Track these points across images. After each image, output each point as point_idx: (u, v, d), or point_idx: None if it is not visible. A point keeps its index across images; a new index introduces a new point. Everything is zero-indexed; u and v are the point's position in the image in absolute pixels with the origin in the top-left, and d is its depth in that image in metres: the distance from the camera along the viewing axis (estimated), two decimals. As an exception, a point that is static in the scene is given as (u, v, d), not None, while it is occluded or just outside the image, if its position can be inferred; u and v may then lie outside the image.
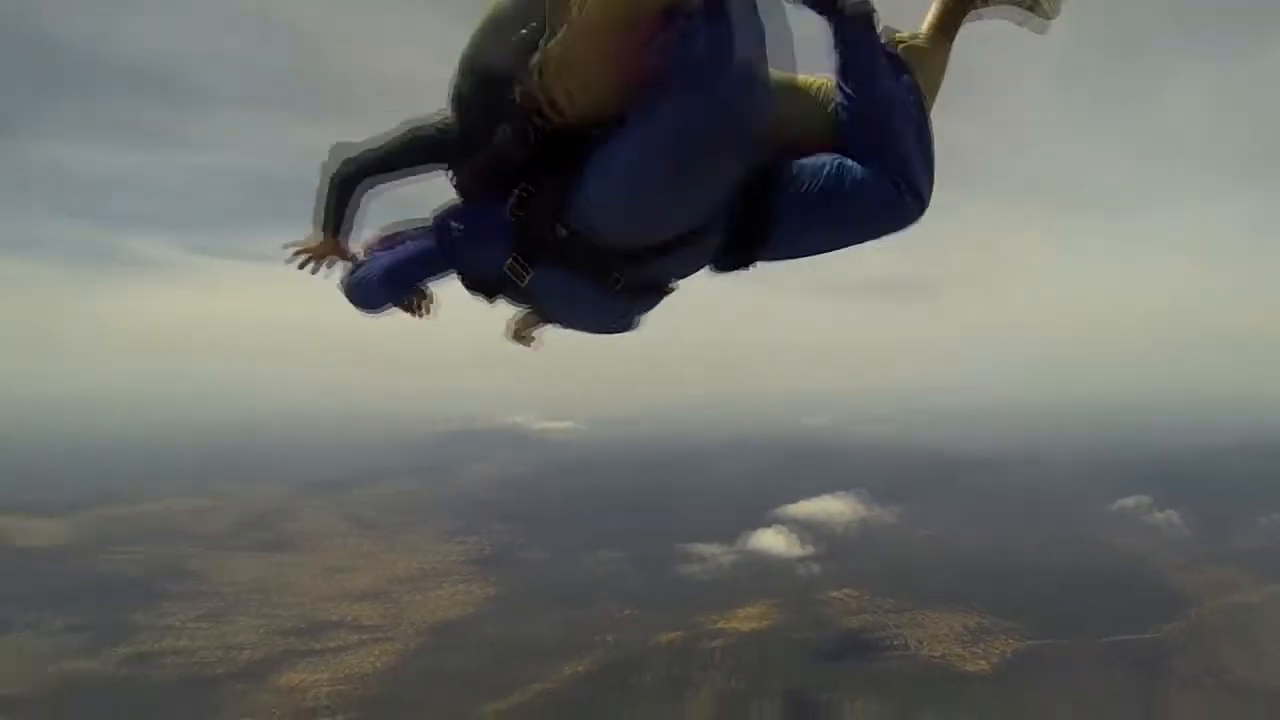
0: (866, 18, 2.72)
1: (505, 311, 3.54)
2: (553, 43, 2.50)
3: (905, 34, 3.02)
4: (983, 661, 63.44)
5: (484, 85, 2.82)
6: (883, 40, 2.84)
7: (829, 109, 2.94)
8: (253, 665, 68.45)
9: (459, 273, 3.19)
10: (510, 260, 2.97)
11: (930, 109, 2.97)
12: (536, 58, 2.54)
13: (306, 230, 3.58)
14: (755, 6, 2.52)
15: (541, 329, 3.85)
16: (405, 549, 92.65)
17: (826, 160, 2.86)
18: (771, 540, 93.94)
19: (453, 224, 3.06)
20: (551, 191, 2.80)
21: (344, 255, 3.53)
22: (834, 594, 74.09)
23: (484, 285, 3.18)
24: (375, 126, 3.15)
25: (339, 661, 68.20)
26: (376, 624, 74.62)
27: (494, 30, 2.78)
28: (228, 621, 76.31)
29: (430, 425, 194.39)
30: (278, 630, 74.39)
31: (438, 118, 3.05)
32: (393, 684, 64.10)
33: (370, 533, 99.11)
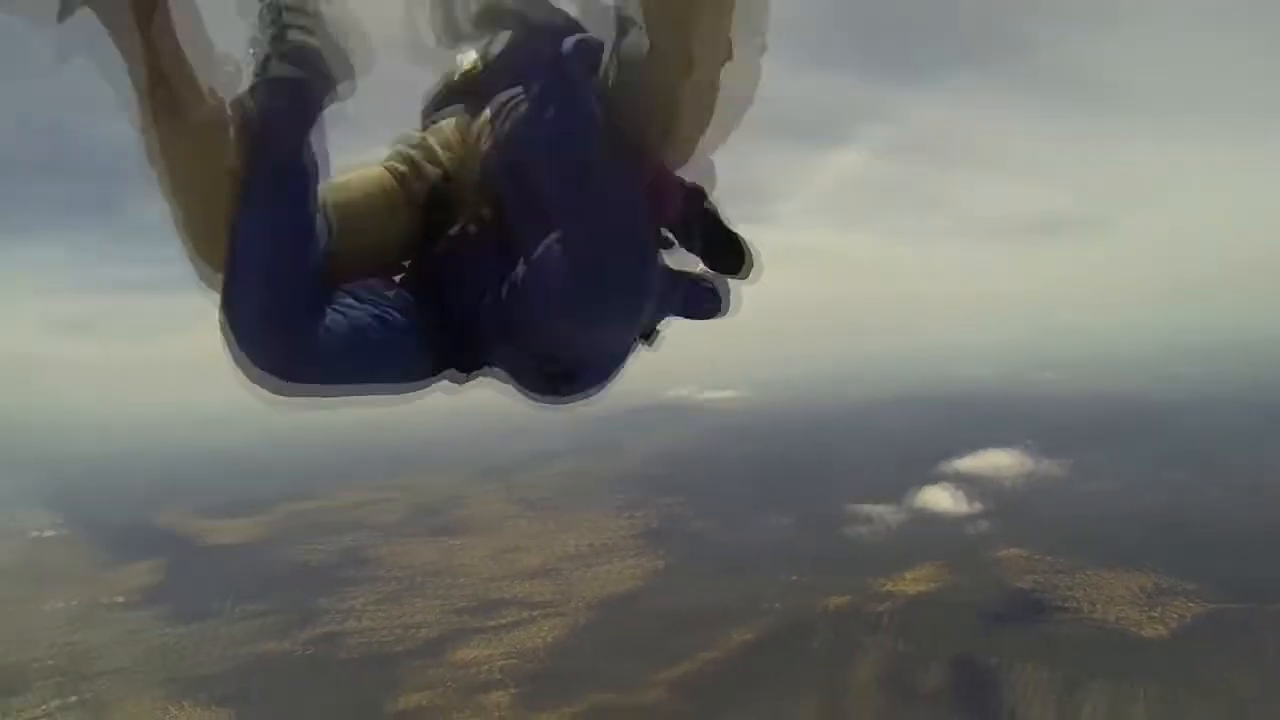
0: None
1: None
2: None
3: None
4: (1160, 626, 61.50)
5: None
6: None
7: None
8: (429, 642, 72.83)
9: None
10: None
11: None
12: None
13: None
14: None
15: None
16: (574, 527, 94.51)
17: None
18: (938, 498, 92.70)
19: None
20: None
21: None
22: (1003, 553, 73.16)
23: None
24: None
25: (510, 637, 71.55)
26: (546, 600, 77.36)
27: None
28: (405, 603, 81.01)
29: (595, 406, 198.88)
30: (452, 609, 78.51)
31: None
32: (562, 656, 67.03)
33: (539, 513, 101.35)
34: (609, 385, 3.45)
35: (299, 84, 2.25)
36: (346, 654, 73.87)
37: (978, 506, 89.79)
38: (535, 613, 74.92)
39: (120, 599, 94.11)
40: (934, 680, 58.37)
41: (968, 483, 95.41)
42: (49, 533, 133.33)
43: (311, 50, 2.27)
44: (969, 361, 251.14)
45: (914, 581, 69.03)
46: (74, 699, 74.36)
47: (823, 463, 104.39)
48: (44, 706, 73.70)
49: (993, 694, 57.26)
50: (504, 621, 74.27)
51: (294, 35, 2.22)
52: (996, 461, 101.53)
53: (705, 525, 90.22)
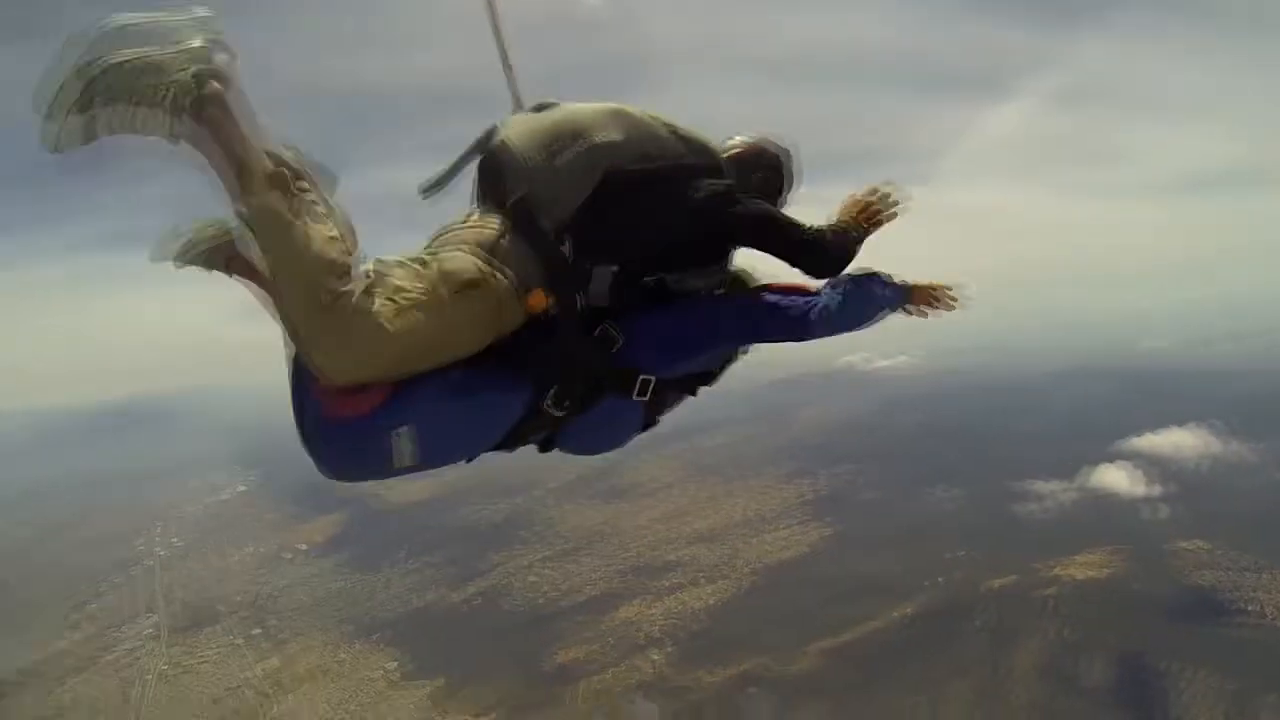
0: None
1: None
2: None
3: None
4: (1355, 642, 57.86)
5: None
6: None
7: None
8: (592, 600, 75.76)
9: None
10: None
11: None
12: None
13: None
14: None
15: None
16: (742, 494, 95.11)
17: None
18: (1115, 477, 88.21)
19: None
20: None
21: None
22: (1182, 544, 70.04)
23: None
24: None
25: (673, 599, 73.43)
26: (712, 564, 78.69)
27: None
28: (571, 562, 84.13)
29: (766, 373, 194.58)
30: (616, 570, 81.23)
31: None
32: (723, 620, 68.61)
33: (708, 479, 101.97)
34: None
35: None
36: (511, 608, 78.07)
37: (1157, 489, 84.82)
38: (699, 576, 76.38)
39: (303, 548, 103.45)
40: (1097, 674, 56.44)
41: (1147, 462, 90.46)
42: (241, 489, 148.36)
43: None
44: (1148, 330, 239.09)
45: (1083, 566, 67.47)
46: (258, 632, 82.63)
47: (994, 435, 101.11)
48: (230, 638, 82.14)
49: (1159, 697, 54.61)
50: (668, 584, 76.13)
51: None
52: (1180, 441, 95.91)
53: (873, 495, 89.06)
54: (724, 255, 3.84)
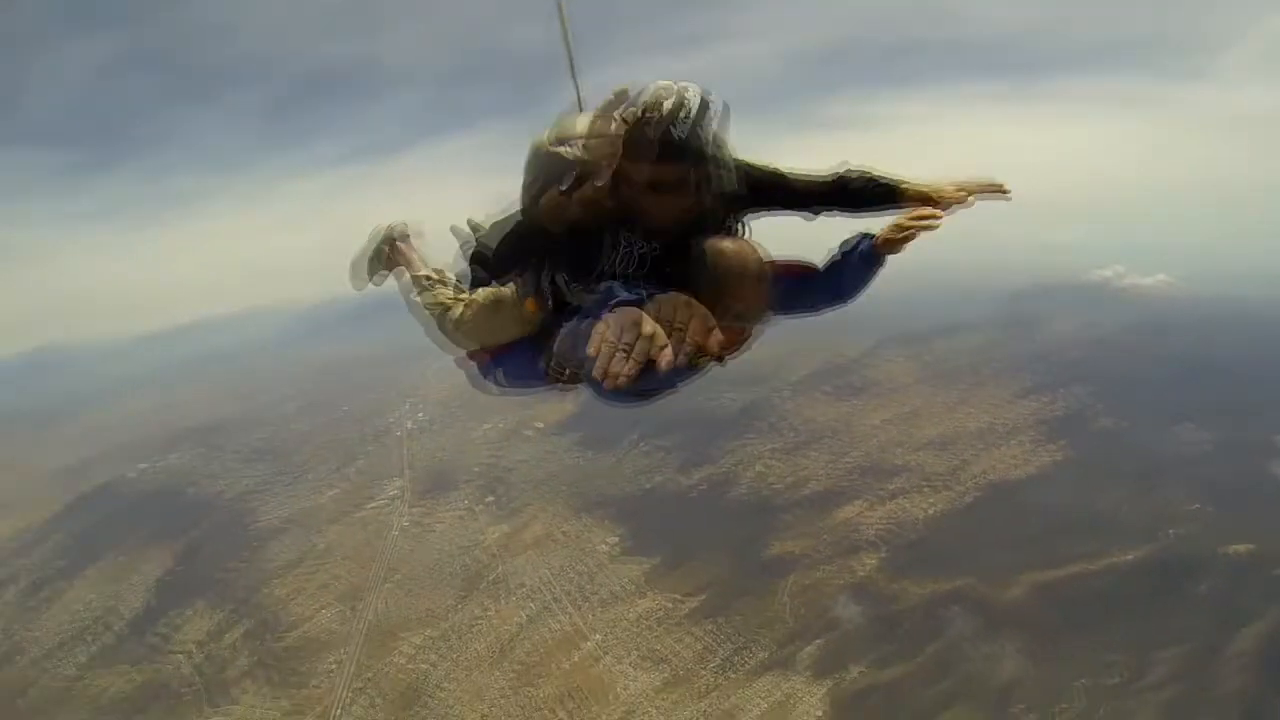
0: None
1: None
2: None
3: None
4: None
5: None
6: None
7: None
8: (815, 496, 77.21)
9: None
10: None
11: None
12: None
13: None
14: None
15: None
16: (977, 403, 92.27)
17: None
18: None
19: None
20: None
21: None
22: None
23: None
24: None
25: (894, 504, 73.58)
26: (937, 473, 77.57)
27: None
28: (799, 456, 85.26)
29: (1012, 277, 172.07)
30: (843, 469, 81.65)
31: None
32: (939, 533, 68.36)
33: (944, 384, 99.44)
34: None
35: None
36: (735, 496, 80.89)
37: None
38: (923, 484, 75.94)
39: (540, 426, 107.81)
40: (1329, 682, 51.31)
41: None
42: None
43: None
44: None
45: (1346, 550, 60.39)
46: (491, 500, 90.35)
47: (1257, 376, 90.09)
48: (467, 503, 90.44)
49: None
50: (891, 488, 76.16)
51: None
52: None
53: (1113, 424, 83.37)
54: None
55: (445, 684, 62.25)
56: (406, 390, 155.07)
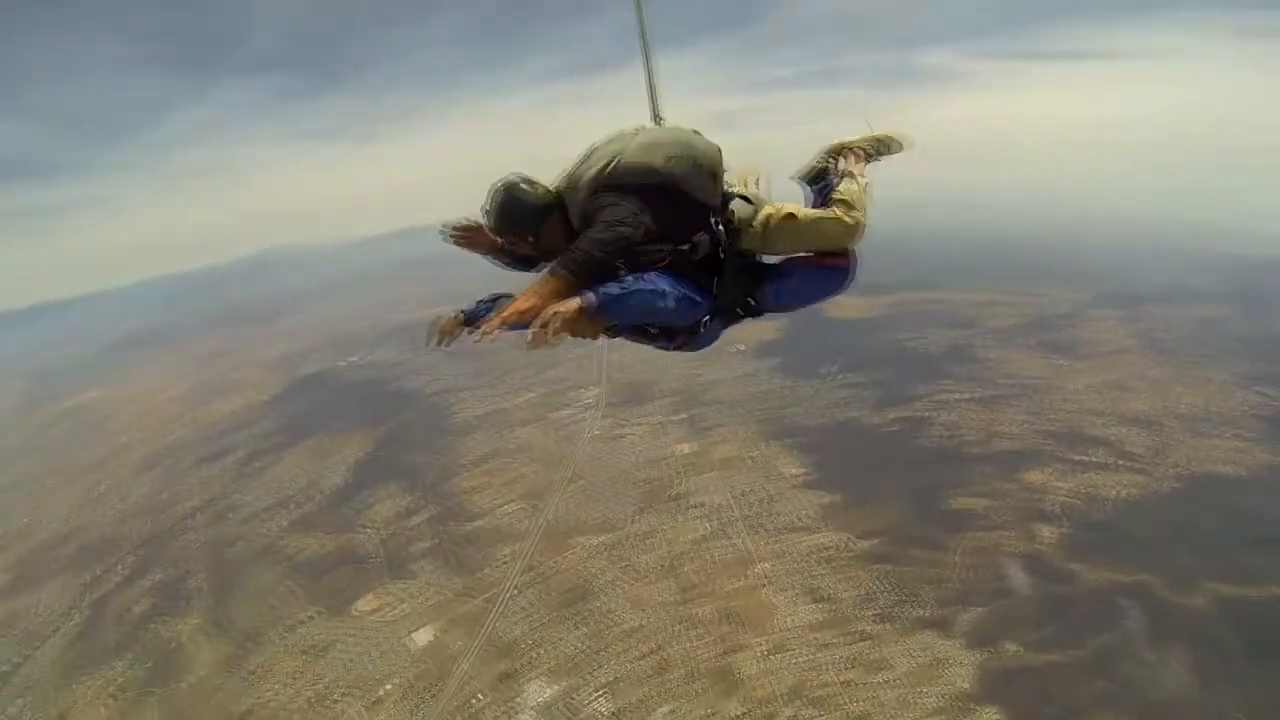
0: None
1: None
2: (757, 222, 6.42)
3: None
4: None
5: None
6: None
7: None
8: (1005, 455, 75.21)
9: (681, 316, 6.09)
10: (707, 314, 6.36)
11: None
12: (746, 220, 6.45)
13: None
14: None
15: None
16: (1192, 382, 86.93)
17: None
18: None
19: (688, 293, 5.96)
20: (740, 287, 6.43)
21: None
22: None
23: (687, 326, 6.40)
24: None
25: (1085, 477, 70.77)
26: (1137, 453, 73.74)
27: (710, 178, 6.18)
28: (996, 409, 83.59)
29: (1253, 247, 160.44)
30: (1038, 429, 79.27)
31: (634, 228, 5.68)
32: (1128, 518, 64.81)
33: (1159, 356, 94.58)
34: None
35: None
36: (925, 441, 79.98)
37: None
38: (1120, 462, 72.40)
39: (741, 348, 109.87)
40: None
41: None
42: None
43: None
44: None
45: None
46: (683, 417, 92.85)
47: None
48: (658, 417, 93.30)
49: None
50: (1085, 459, 73.23)
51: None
52: None
53: None
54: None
55: (609, 589, 65.03)
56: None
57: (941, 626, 54.97)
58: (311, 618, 70.20)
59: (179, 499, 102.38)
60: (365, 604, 70.23)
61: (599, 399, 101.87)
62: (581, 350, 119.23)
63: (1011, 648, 52.56)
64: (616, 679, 55.80)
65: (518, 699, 56.01)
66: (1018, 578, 59.26)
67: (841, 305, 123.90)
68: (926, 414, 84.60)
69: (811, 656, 54.09)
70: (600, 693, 54.85)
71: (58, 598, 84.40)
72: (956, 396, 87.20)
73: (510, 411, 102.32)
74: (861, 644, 54.30)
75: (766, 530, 68.83)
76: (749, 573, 63.75)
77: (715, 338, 6.71)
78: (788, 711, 50.02)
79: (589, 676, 56.42)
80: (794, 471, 77.24)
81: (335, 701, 60.06)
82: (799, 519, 69.74)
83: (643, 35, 6.82)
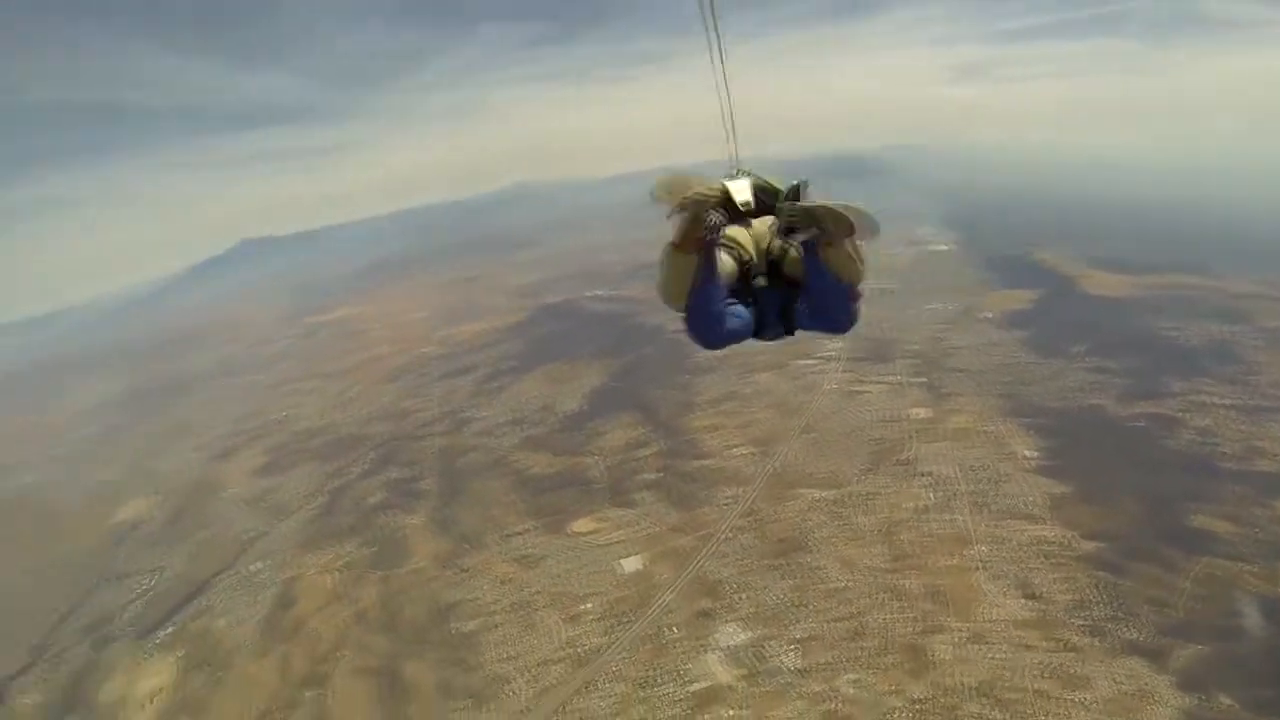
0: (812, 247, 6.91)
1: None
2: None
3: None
4: None
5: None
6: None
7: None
8: (1263, 475, 68.57)
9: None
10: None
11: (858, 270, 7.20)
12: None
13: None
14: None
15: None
16: None
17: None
18: None
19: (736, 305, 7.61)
20: (779, 300, 7.79)
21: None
22: None
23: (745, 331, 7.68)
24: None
25: None
26: None
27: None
28: (1260, 422, 76.20)
29: None
30: None
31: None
32: None
33: None
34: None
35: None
36: (1173, 444, 74.84)
37: None
38: None
39: (989, 315, 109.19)
40: None
41: None
42: (943, 247, 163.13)
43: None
44: None
45: None
46: (922, 380, 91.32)
47: None
48: (899, 377, 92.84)
49: None
50: None
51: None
52: None
53: None
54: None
55: (822, 546, 65.82)
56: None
57: (1154, 656, 51.46)
58: (529, 530, 75.61)
59: (421, 408, 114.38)
60: (582, 525, 74.55)
61: (840, 352, 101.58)
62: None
63: (1226, 700, 48.09)
64: (810, 636, 56.73)
65: (710, 638, 58.16)
66: (1252, 620, 53.58)
67: (1099, 280, 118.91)
68: (1179, 414, 78.86)
69: (1009, 655, 52.63)
70: (791, 647, 56.01)
71: (304, 482, 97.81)
72: (1215, 400, 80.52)
73: (751, 355, 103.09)
74: (1065, 654, 52.00)
75: (990, 511, 67.29)
76: (964, 553, 62.76)
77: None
78: (973, 708, 49.01)
79: (784, 629, 57.70)
80: (1027, 454, 74.84)
81: (537, 610, 64.71)
82: (1025, 505, 67.61)
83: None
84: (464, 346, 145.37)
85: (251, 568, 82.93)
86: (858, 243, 6.90)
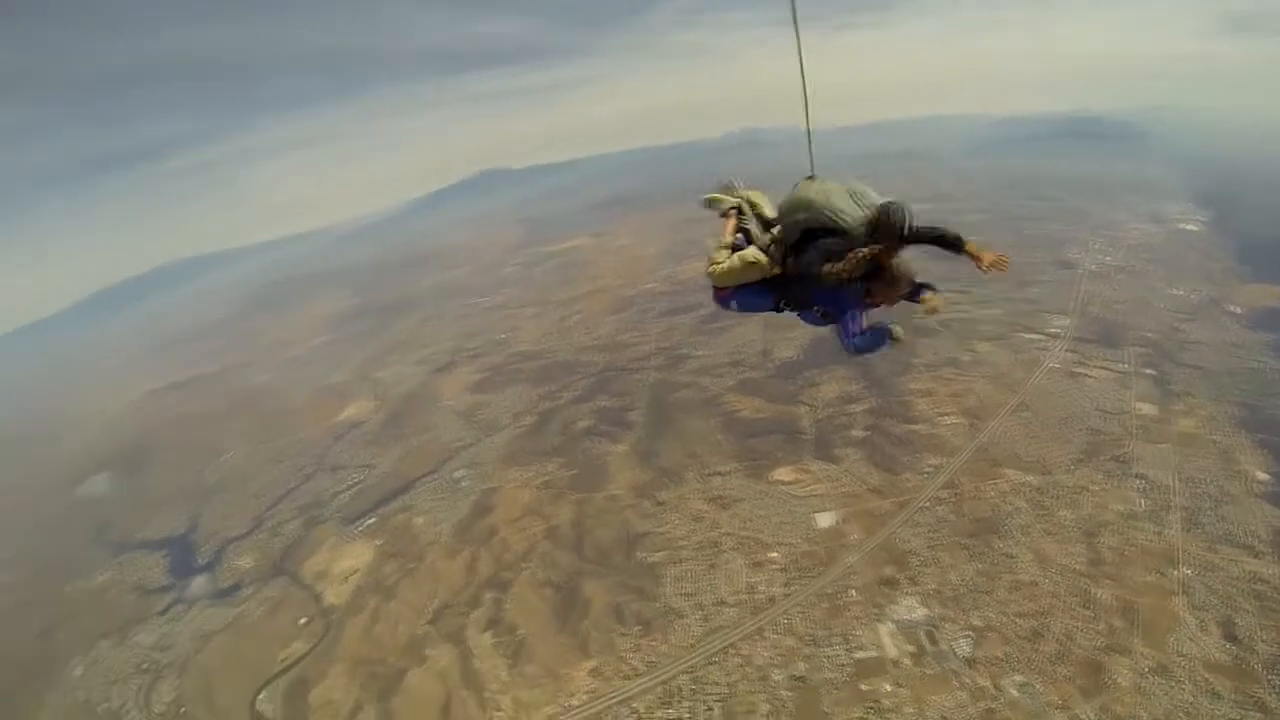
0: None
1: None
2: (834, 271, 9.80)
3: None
4: None
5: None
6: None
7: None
8: None
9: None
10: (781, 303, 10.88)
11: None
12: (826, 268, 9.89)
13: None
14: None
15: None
16: None
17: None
18: None
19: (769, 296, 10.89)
20: (797, 294, 10.66)
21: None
22: None
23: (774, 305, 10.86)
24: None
25: None
26: None
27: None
28: None
29: None
30: None
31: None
32: None
33: None
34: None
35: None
36: None
37: None
38: None
39: (1235, 310, 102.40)
40: None
41: None
42: (1192, 227, 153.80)
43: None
44: None
45: None
46: (1151, 373, 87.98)
47: None
48: (1126, 365, 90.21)
49: None
50: None
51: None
52: None
53: None
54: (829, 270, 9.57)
55: (1018, 534, 64.68)
56: (1100, 225, 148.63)
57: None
58: (730, 472, 78.06)
59: (639, 341, 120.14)
60: (783, 474, 76.32)
61: (1066, 330, 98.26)
62: (1058, 273, 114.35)
63: None
64: (987, 626, 56.11)
65: (887, 608, 58.89)
66: None
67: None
68: None
69: (1192, 698, 49.82)
70: (965, 634, 55.78)
71: (515, 401, 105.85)
72: None
73: (975, 323, 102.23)
74: (1253, 713, 48.53)
75: (1204, 532, 63.23)
76: (1168, 573, 59.41)
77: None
78: (1141, 748, 44.56)
79: (962, 613, 57.41)
80: (1259, 475, 69.48)
81: (723, 551, 67.01)
82: (1245, 534, 62.68)
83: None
84: (689, 285, 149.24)
85: (455, 474, 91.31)
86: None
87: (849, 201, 9.68)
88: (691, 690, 56.27)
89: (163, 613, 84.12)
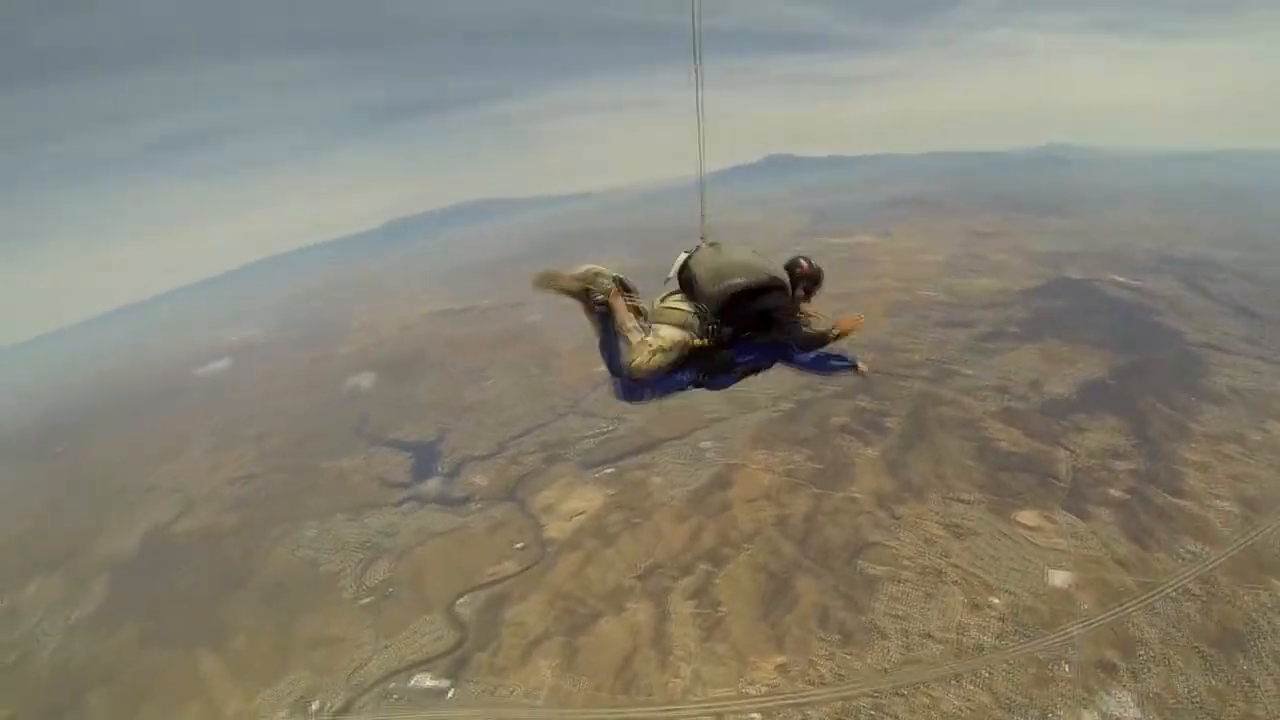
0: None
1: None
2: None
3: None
4: None
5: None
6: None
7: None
8: None
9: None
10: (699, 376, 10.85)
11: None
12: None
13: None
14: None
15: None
16: None
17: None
18: None
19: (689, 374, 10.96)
20: (720, 362, 10.94)
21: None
22: None
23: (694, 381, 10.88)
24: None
25: None
26: None
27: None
28: None
29: None
30: None
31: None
32: None
33: None
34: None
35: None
36: None
37: None
38: None
39: None
40: None
41: None
42: None
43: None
44: None
45: None
46: None
47: None
48: None
49: None
50: None
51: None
52: None
53: None
54: (771, 328, 10.63)
55: (1268, 659, 59.51)
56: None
57: None
58: (973, 502, 77.38)
59: (910, 348, 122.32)
60: (1026, 517, 74.78)
61: None
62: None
63: None
64: None
65: (1098, 695, 56.36)
66: None
67: None
68: None
69: None
70: None
71: (777, 385, 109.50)
72: None
73: (1274, 397, 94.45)
74: None
75: None
76: None
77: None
78: None
79: None
80: None
81: (945, 583, 66.52)
82: None
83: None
84: (969, 300, 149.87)
85: (702, 444, 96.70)
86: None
87: (766, 259, 10.80)
88: (870, 716, 57.15)
89: (396, 505, 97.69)
